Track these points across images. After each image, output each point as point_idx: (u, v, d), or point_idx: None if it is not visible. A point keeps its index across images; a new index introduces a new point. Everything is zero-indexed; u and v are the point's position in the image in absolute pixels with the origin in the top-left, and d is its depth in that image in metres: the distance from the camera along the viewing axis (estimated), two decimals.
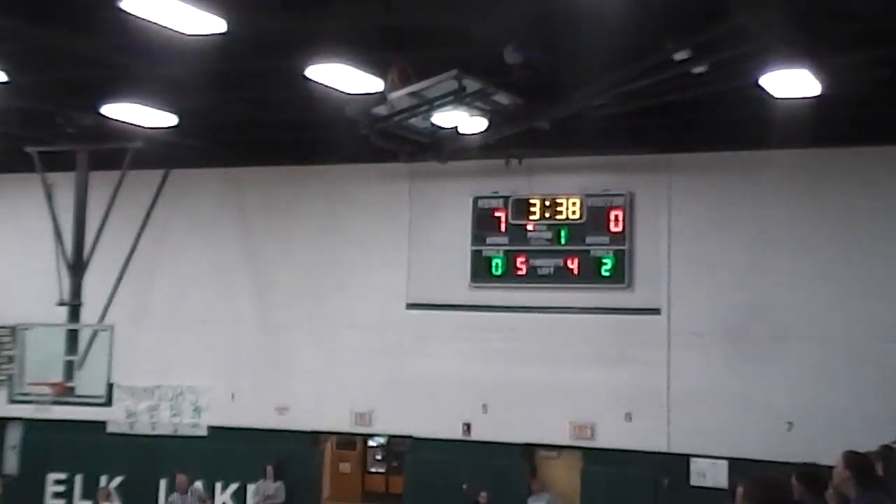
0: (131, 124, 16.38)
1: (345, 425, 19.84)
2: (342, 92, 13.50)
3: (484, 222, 18.42)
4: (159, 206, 19.97)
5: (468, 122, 14.12)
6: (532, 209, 18.17)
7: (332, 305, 19.83)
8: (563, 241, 17.95)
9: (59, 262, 19.13)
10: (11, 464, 21.02)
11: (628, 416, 17.62)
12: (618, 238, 17.69)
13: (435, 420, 18.76)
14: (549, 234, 18.06)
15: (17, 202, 21.25)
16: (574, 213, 17.92)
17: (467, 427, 18.63)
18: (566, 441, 18.11)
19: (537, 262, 18.07)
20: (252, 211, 20.70)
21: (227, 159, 19.82)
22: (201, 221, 20.88)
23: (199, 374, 20.46)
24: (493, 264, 18.34)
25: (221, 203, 20.83)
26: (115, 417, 20.61)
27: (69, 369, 18.23)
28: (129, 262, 19.59)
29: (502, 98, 13.36)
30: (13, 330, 19.68)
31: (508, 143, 15.61)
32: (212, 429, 20.32)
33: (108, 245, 19.31)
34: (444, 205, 19.00)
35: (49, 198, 19.20)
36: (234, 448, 19.85)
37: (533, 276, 18.10)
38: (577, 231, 17.87)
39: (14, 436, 21.60)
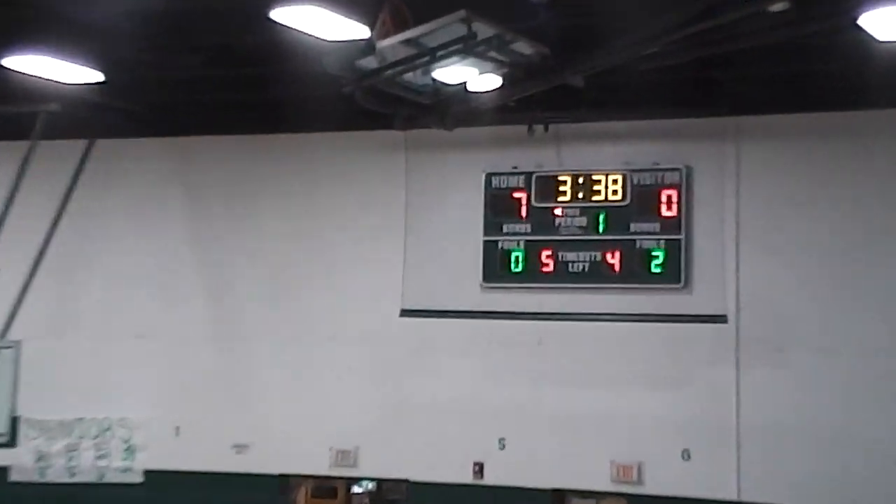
0: (44, 80, 16.36)
1: (323, 466, 19.89)
2: (319, 39, 13.47)
3: (500, 205, 18.47)
4: (82, 187, 20.04)
5: (480, 78, 14.17)
6: (562, 188, 18.19)
7: (306, 313, 19.88)
8: (601, 228, 17.98)
9: None
10: None
11: (686, 454, 17.58)
12: (671, 225, 17.66)
13: (438, 459, 18.89)
14: (583, 221, 18.07)
15: None
16: (615, 193, 17.91)
17: (480, 468, 18.72)
18: (607, 486, 18.15)
19: (568, 257, 18.09)
20: (204, 193, 20.71)
21: (169, 126, 19.90)
22: (137, 206, 20.87)
23: (133, 404, 20.45)
24: (512, 259, 18.39)
25: (164, 183, 20.85)
26: (21, 462, 20.64)
27: None
28: (42, 258, 19.77)
29: (523, 47, 13.40)
30: None
31: (531, 104, 15.69)
32: (150, 473, 20.32)
33: (13, 236, 19.42)
34: (450, 183, 19.06)
35: None
36: (179, 498, 20.02)
37: (563, 275, 18.12)
38: (619, 216, 17.87)
39: None
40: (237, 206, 20.55)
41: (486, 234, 18.58)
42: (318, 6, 12.59)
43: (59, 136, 19.08)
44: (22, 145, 18.79)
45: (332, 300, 19.82)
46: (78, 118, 18.54)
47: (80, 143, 19.89)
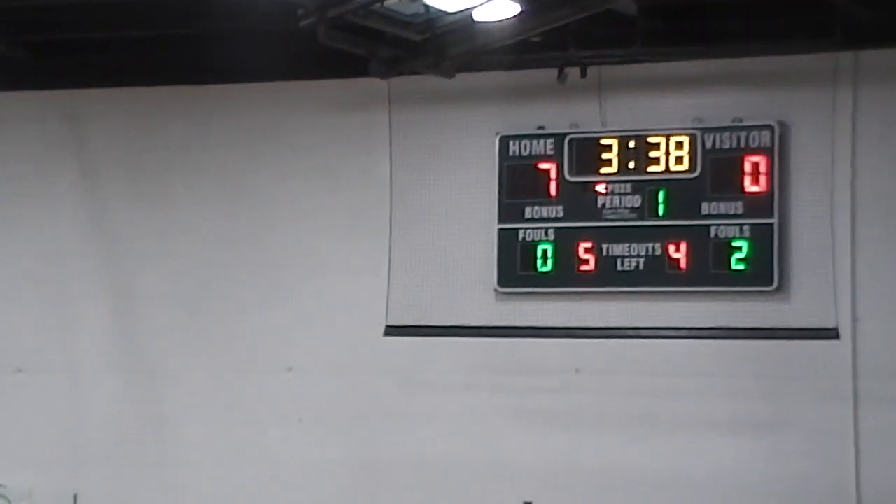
0: None
1: None
2: None
3: (520, 180, 18.35)
4: None
5: (490, 3, 14.43)
6: (605, 156, 17.98)
7: (250, 335, 19.97)
8: (661, 211, 17.81)
9: None
10: None
11: None
12: (760, 204, 17.33)
13: None
14: (635, 200, 17.87)
15: None
16: (680, 161, 17.67)
17: None
18: None
19: (616, 250, 17.92)
20: (103, 168, 20.81)
21: (57, 76, 20.13)
22: (13, 187, 21.02)
23: (13, 465, 20.59)
24: (538, 255, 18.25)
25: (49, 154, 21.00)
26: None
27: None
28: None
29: None
30: None
31: (563, 40, 16.20)
32: None
33: None
34: (451, 150, 18.95)
35: None
36: None
37: (608, 275, 17.98)
38: (686, 193, 17.69)
39: None
40: (149, 184, 20.53)
41: (501, 220, 18.35)
42: None
43: None
44: None
45: (286, 316, 19.74)
46: None
47: None
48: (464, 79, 17.13)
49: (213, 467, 19.71)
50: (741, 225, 17.38)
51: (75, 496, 20.01)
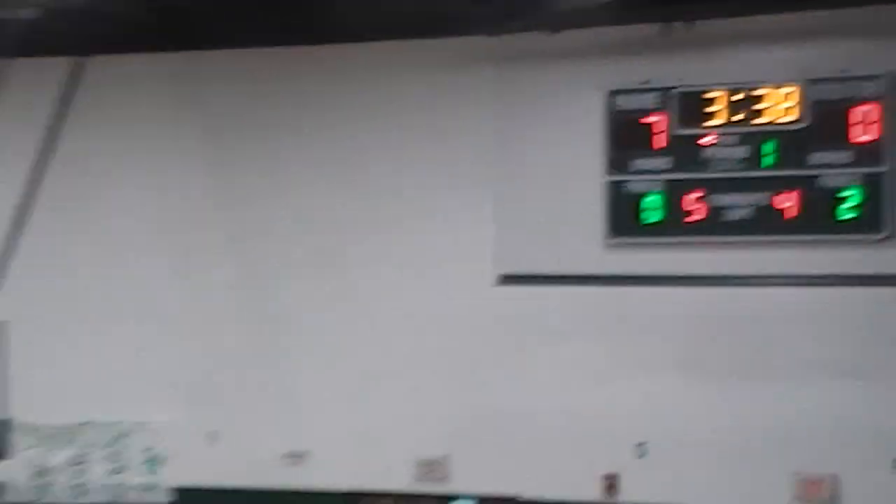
0: None
1: (402, 481, 19.19)
2: None
3: (627, 135, 16.99)
4: (71, 118, 19.48)
5: None
6: (712, 109, 16.74)
7: (372, 283, 19.04)
8: (770, 161, 16.49)
9: None
10: None
11: None
12: (869, 153, 15.88)
13: (556, 471, 17.89)
14: (743, 152, 16.58)
15: None
16: (788, 111, 16.34)
17: (611, 482, 17.78)
18: None
19: (724, 201, 16.66)
20: (226, 124, 19.99)
21: (179, 38, 19.21)
22: (141, 143, 20.10)
23: (153, 403, 20.02)
24: (646, 206, 17.12)
25: (174, 112, 20.10)
26: (14, 478, 20.35)
27: None
28: (26, 214, 19.47)
29: None
30: None
31: None
32: (180, 492, 19.97)
33: None
34: (556, 105, 17.54)
35: None
36: None
37: (717, 226, 16.69)
38: (794, 144, 16.30)
39: None
40: (270, 141, 19.71)
41: (609, 172, 17.17)
42: None
43: (39, 54, 18.70)
44: None
45: (403, 267, 18.80)
46: (63, 29, 18.04)
47: (67, 62, 19.22)
48: (569, 35, 16.33)
49: (346, 405, 18.89)
50: (850, 174, 16.10)
51: (212, 433, 19.28)
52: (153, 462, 19.75)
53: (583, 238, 17.40)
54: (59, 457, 20.07)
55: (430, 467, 18.78)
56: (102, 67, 19.14)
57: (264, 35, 18.80)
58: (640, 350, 17.52)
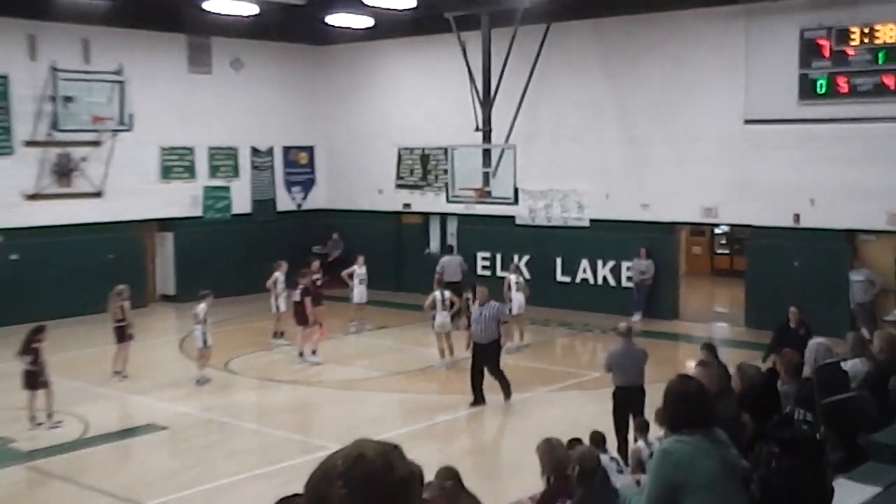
0: None
1: (696, 217, 21.02)
2: None
3: (810, 51, 18.50)
4: (543, 53, 21.44)
5: None
6: (852, 37, 18.07)
7: (681, 122, 20.60)
8: (880, 61, 17.83)
9: (473, 100, 21.67)
10: (451, 244, 23.71)
11: None
12: None
13: (770, 212, 19.48)
14: (868, 57, 17.94)
15: (440, 57, 23.49)
16: (892, 37, 17.66)
17: (797, 217, 19.25)
18: (882, 227, 18.29)
19: (857, 81, 18.09)
20: (613, 51, 21.58)
21: (593, 11, 20.87)
22: (575, 62, 21.95)
23: (580, 180, 22.03)
24: (818, 84, 18.52)
25: (590, 45, 21.82)
26: (521, 213, 22.59)
27: (486, 178, 20.69)
28: (524, 97, 21.50)
29: None
30: (446, 150, 22.51)
31: None
32: (592, 221, 21.99)
33: (507, 84, 21.28)
34: (776, 37, 18.94)
35: (463, 51, 21.43)
36: (610, 236, 21.61)
37: (853, 93, 18.10)
38: (893, 52, 17.63)
39: (452, 226, 24.73)
40: (632, 56, 21.06)
41: (800, 69, 18.53)
42: None
43: (530, 23, 20.42)
44: (510, 30, 20.34)
45: (697, 115, 20.20)
46: (541, 10, 19.93)
47: (542, 26, 21.09)
48: (783, 2, 17.03)
49: (668, 181, 20.29)
50: None
51: (607, 195, 21.47)
52: (581, 207, 22.00)
53: (787, 101, 18.42)
54: (540, 204, 22.46)
55: (709, 210, 20.33)
56: (558, 27, 21.10)
57: (627, 6, 20.19)
58: (815, 154, 18.35)
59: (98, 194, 22.50)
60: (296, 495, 3.65)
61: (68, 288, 21.02)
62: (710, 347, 11.70)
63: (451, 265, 20.81)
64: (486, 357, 14.74)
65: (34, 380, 14.13)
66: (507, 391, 14.88)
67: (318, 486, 2.70)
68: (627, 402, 11.78)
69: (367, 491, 2.65)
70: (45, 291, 20.72)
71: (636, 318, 20.32)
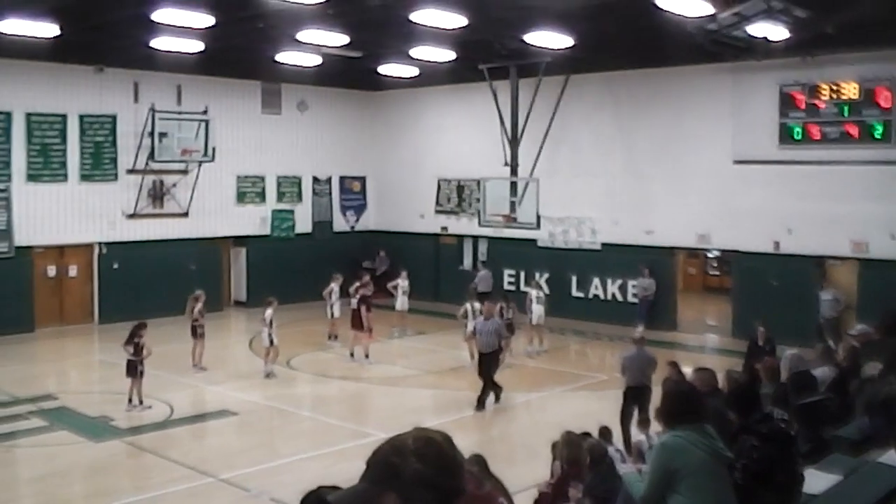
0: (542, 47, 17.48)
1: (691, 242, 20.87)
2: (683, 16, 13.68)
3: (787, 103, 18.53)
4: (563, 100, 21.39)
5: (774, 30, 14.21)
6: (822, 92, 18.13)
7: (679, 161, 20.55)
8: (845, 114, 17.83)
9: (502, 139, 21.61)
10: (484, 261, 23.96)
11: (893, 237, 17.48)
12: (886, 111, 17.33)
13: (753, 239, 19.31)
14: (835, 110, 17.99)
15: (475, 102, 23.36)
16: (854, 94, 17.68)
17: (776, 244, 19.12)
18: (847, 253, 18.13)
19: (827, 129, 18.11)
20: (622, 99, 21.52)
21: (606, 66, 20.75)
22: (590, 108, 21.87)
23: (593, 209, 21.97)
24: (795, 131, 18.51)
25: (603, 93, 21.74)
26: (542, 236, 22.30)
27: (513, 206, 20.52)
28: (546, 137, 21.43)
29: (799, 12, 13.43)
30: (478, 182, 22.33)
31: (804, 44, 15.46)
32: (603, 244, 21.87)
33: (532, 126, 21.23)
34: (758, 91, 18.87)
35: (495, 98, 21.32)
36: (618, 257, 21.43)
37: (824, 140, 18.10)
38: (856, 106, 17.63)
39: (483, 247, 24.62)
40: (639, 105, 20.87)
41: (780, 118, 18.48)
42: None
43: (552, 74, 20.37)
44: (534, 80, 20.34)
45: (693, 156, 20.07)
46: (561, 64, 19.47)
47: (562, 78, 21.02)
48: (764, 61, 16.61)
49: (667, 211, 20.08)
50: (878, 118, 16.74)
51: (616, 222, 21.25)
52: (594, 232, 21.81)
53: (769, 145, 18.26)
54: (558, 229, 21.97)
55: (702, 237, 20.00)
56: (575, 79, 21.05)
57: (634, 61, 19.63)
58: (792, 189, 18.08)
59: (185, 214, 22.83)
60: (319, 488, 3.64)
61: (158, 292, 21.23)
62: (674, 364, 11.55)
63: (483, 278, 21.34)
64: (485, 364, 14.41)
65: (134, 369, 14.38)
66: (497, 396, 14.58)
67: (391, 458, 2.70)
68: (636, 399, 11.90)
69: (437, 467, 2.67)
70: (140, 294, 21.01)
71: (640, 328, 19.17)
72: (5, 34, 15.71)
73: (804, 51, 16.72)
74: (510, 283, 23.28)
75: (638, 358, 12.25)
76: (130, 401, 14.36)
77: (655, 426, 9.21)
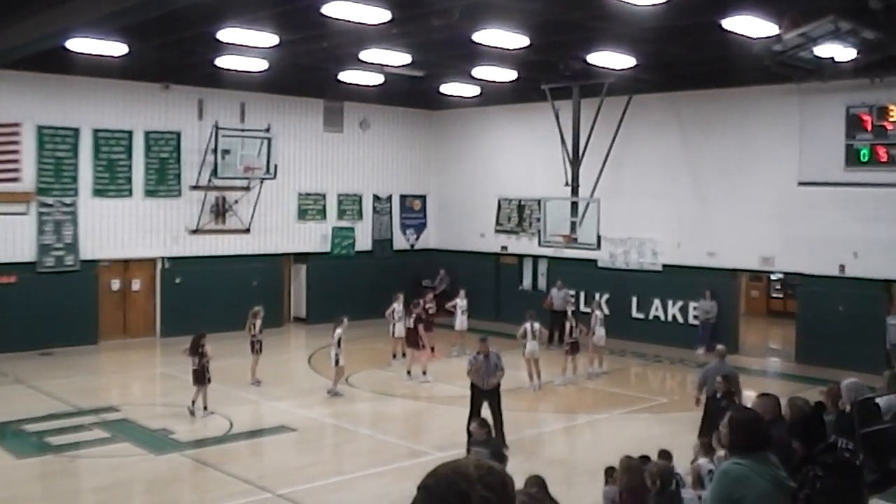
0: (605, 67, 17.71)
1: (755, 265, 20.76)
2: (749, 37, 13.82)
3: (854, 124, 18.36)
4: (625, 121, 21.28)
5: (842, 52, 14.03)
6: (891, 114, 17.96)
7: (744, 182, 20.43)
8: None
9: (564, 159, 21.62)
10: (541, 284, 23.90)
11: None
12: None
13: (819, 262, 19.18)
14: None
15: (536, 122, 23.46)
16: None
17: (842, 267, 18.94)
18: None
19: (894, 152, 17.89)
20: (686, 120, 21.45)
21: (669, 86, 20.59)
22: (653, 128, 21.84)
23: (655, 230, 21.93)
24: (862, 153, 18.29)
25: (666, 114, 21.68)
26: (603, 257, 22.32)
27: (573, 227, 20.56)
28: (608, 157, 21.40)
29: (868, 34, 13.33)
30: (539, 201, 22.48)
31: (872, 66, 15.29)
32: (665, 266, 21.84)
33: (594, 146, 21.24)
34: (824, 112, 18.72)
35: (556, 117, 21.42)
36: (679, 279, 21.40)
37: (892, 162, 17.88)
38: None
39: (542, 267, 24.65)
40: (703, 126, 20.74)
41: (846, 140, 18.25)
42: (750, 16, 12.96)
43: (614, 94, 20.31)
44: (597, 100, 20.32)
45: (757, 177, 19.88)
46: (624, 85, 19.63)
47: (624, 98, 20.94)
48: (831, 83, 16.20)
49: (730, 233, 19.95)
50: None
51: (678, 244, 21.02)
52: (655, 254, 21.73)
53: (835, 167, 17.97)
54: (619, 250, 22.18)
55: (766, 259, 19.86)
56: (638, 99, 20.89)
57: (700, 83, 19.66)
58: (858, 213, 17.88)
59: (247, 231, 23.14)
60: None
61: (219, 307, 21.48)
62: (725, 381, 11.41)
63: (557, 297, 21.38)
64: (488, 400, 13.51)
65: (202, 376, 14.65)
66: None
67: (458, 485, 2.72)
68: (715, 411, 11.47)
69: (501, 496, 2.74)
70: (202, 309, 21.22)
71: (700, 351, 20.07)
72: (76, 52, 16.13)
73: (872, 73, 16.49)
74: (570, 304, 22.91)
75: (718, 370, 12.24)
76: (193, 403, 14.63)
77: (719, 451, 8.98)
